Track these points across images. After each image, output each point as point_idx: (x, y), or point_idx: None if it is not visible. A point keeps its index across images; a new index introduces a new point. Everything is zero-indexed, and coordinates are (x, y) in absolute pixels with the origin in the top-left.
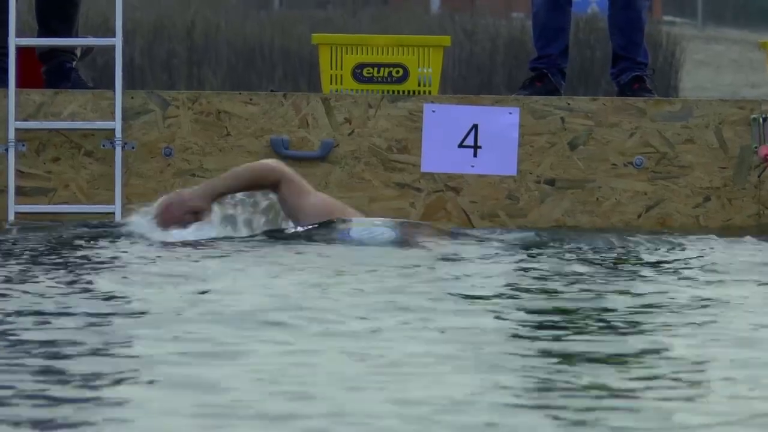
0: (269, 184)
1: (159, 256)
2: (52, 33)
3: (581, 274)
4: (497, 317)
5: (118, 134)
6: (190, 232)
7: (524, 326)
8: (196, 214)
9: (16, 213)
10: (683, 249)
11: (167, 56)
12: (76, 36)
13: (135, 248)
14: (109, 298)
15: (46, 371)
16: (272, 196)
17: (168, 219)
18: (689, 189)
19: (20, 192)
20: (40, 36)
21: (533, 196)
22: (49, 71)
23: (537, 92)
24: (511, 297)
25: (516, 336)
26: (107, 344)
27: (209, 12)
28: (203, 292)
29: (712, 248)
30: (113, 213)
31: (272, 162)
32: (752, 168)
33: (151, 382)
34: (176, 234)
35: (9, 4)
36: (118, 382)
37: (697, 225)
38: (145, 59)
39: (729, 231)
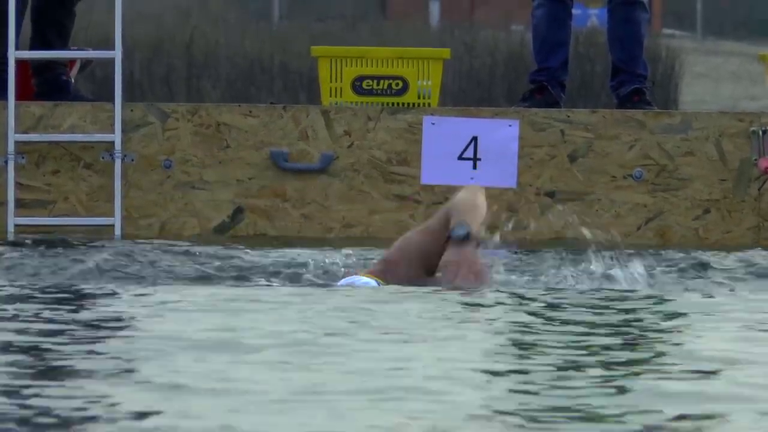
0: None
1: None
2: (48, 44)
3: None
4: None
5: (118, 146)
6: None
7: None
8: None
9: (16, 225)
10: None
11: (167, 70)
12: (70, 47)
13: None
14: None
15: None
16: None
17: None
18: (689, 201)
19: (20, 204)
20: (33, 46)
21: (533, 209)
22: (42, 83)
23: (537, 104)
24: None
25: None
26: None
27: (208, 26)
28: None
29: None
30: (113, 225)
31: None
32: (752, 180)
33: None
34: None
35: (9, 18)
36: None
37: (696, 237)
38: (145, 74)
39: (728, 243)
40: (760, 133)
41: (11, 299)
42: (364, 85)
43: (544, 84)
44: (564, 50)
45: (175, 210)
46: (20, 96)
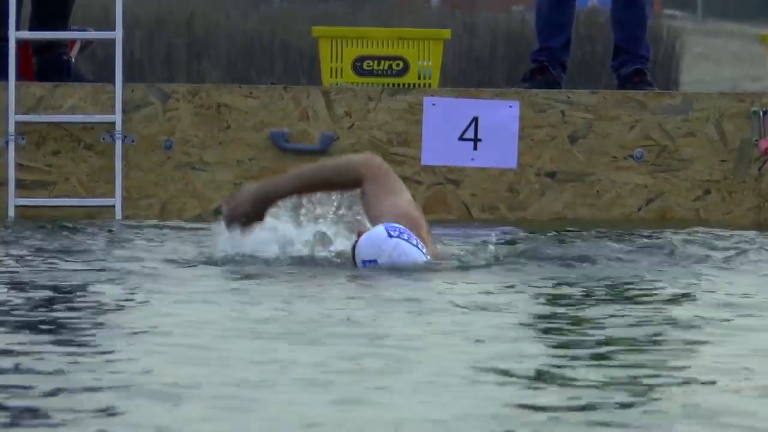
0: (350, 182)
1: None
2: (48, 24)
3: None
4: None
5: (118, 127)
6: (248, 242)
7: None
8: (246, 218)
9: (16, 206)
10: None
11: (167, 50)
12: (69, 28)
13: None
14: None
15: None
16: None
17: (227, 218)
18: (689, 182)
19: (20, 185)
20: (32, 27)
21: (533, 189)
22: (43, 64)
23: (537, 85)
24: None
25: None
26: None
27: (209, 5)
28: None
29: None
30: (113, 206)
31: (361, 158)
32: (752, 161)
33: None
34: (226, 243)
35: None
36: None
37: (697, 218)
38: (145, 53)
39: (729, 224)
40: (761, 113)
41: (8, 285)
42: (364, 65)
43: (545, 64)
44: (567, 31)
45: (176, 191)
46: (21, 76)
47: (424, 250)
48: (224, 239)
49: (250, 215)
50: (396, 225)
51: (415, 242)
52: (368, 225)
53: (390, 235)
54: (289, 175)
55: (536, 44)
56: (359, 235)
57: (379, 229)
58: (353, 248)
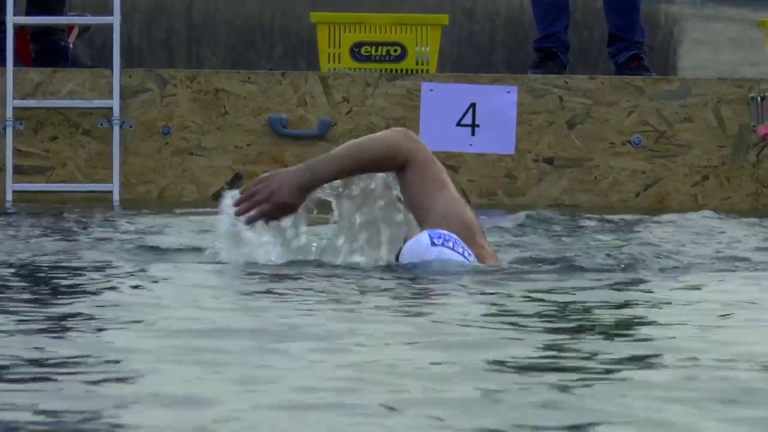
0: (397, 165)
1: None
2: (45, 9)
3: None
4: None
5: (116, 113)
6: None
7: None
8: (285, 209)
9: (14, 191)
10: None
11: (166, 35)
12: (67, 13)
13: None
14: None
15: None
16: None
17: (250, 209)
18: (687, 168)
19: (18, 170)
20: (30, 13)
21: (531, 175)
22: (41, 49)
23: (550, 71)
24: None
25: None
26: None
27: None
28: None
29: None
30: (111, 192)
31: (402, 135)
32: (750, 147)
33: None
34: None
35: None
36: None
37: (695, 204)
38: (144, 39)
39: (727, 209)
40: (759, 99)
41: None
42: (362, 51)
43: (553, 50)
44: (566, 13)
45: (174, 176)
46: (19, 62)
47: (471, 258)
48: (227, 235)
49: (288, 207)
50: (441, 232)
51: (461, 250)
52: (412, 221)
53: (434, 243)
54: (326, 157)
55: (536, 33)
56: (405, 241)
57: (423, 237)
58: (397, 257)
